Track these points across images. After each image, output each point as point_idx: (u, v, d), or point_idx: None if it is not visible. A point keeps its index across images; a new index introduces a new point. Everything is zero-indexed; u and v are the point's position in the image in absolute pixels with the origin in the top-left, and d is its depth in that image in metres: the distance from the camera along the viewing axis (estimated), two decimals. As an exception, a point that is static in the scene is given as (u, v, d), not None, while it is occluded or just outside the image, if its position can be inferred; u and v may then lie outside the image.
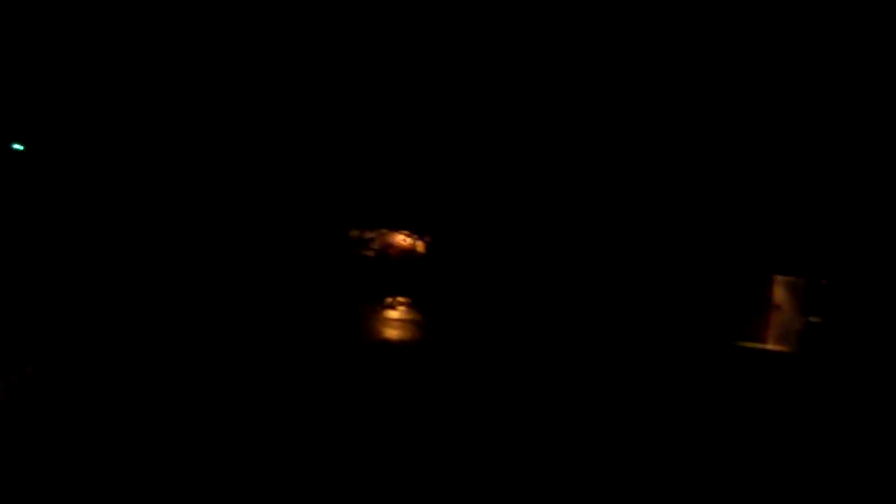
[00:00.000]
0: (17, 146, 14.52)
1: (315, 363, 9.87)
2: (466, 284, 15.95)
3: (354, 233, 16.81)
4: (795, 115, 12.97)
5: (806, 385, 11.43)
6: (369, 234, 16.86)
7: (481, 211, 16.31)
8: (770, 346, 12.74)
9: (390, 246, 16.95)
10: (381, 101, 16.34)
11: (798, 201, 12.78)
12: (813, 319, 12.72)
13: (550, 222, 15.35)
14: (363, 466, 6.08)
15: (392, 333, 13.16)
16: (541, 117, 15.21)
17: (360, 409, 7.80)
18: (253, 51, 14.85)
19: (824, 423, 8.99)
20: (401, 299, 15.76)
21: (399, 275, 16.69)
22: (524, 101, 15.45)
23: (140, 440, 6.00)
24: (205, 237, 15.74)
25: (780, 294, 13.20)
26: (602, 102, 14.46)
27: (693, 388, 10.25)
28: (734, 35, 12.91)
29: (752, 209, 13.12)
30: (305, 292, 15.58)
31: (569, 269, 14.74)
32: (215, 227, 15.95)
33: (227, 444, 6.20)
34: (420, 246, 16.92)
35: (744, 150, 13.33)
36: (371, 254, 16.89)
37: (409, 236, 16.89)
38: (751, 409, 9.29)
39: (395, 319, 14.34)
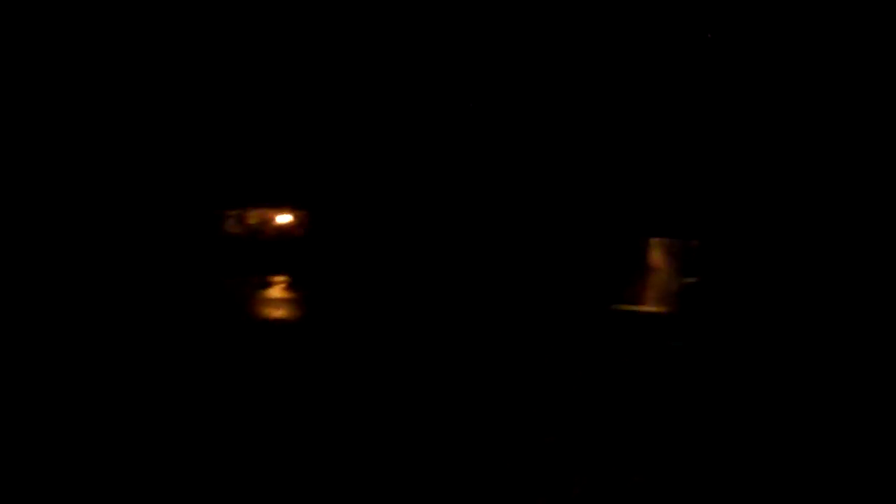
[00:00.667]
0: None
1: (190, 346, 9.55)
2: (348, 261, 15.72)
3: (228, 211, 16.26)
4: (662, 79, 13.25)
5: (682, 344, 11.73)
6: (243, 212, 16.34)
7: (360, 185, 16.06)
8: (647, 308, 12.99)
9: (267, 223, 16.46)
10: (255, 72, 15.86)
11: (669, 165, 13.10)
12: (689, 280, 13.07)
13: (428, 192, 15.24)
14: (242, 455, 5.83)
15: (272, 312, 12.87)
16: (412, 88, 15.05)
17: (241, 391, 7.59)
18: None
19: (701, 380, 9.23)
20: (280, 278, 15.38)
21: (277, 253, 16.26)
22: (401, 72, 15.25)
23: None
24: (69, 216, 15.01)
25: (656, 256, 13.47)
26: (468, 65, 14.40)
27: (571, 352, 10.40)
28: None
29: (624, 173, 13.37)
30: (177, 273, 15.05)
31: (447, 240, 14.70)
32: (81, 205, 15.23)
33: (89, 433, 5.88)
34: (299, 223, 16.51)
35: (613, 120, 13.57)
36: (247, 232, 16.37)
37: (286, 213, 16.45)
38: (628, 370, 9.47)
39: (275, 299, 14.01)
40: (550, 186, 13.88)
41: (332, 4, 15.39)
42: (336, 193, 16.05)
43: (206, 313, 12.01)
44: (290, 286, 15.01)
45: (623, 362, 10.05)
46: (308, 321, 12.25)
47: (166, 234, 15.75)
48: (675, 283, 13.11)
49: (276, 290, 14.62)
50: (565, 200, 13.72)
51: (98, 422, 6.40)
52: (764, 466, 5.99)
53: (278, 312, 12.78)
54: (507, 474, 5.65)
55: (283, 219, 16.39)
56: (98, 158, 16.12)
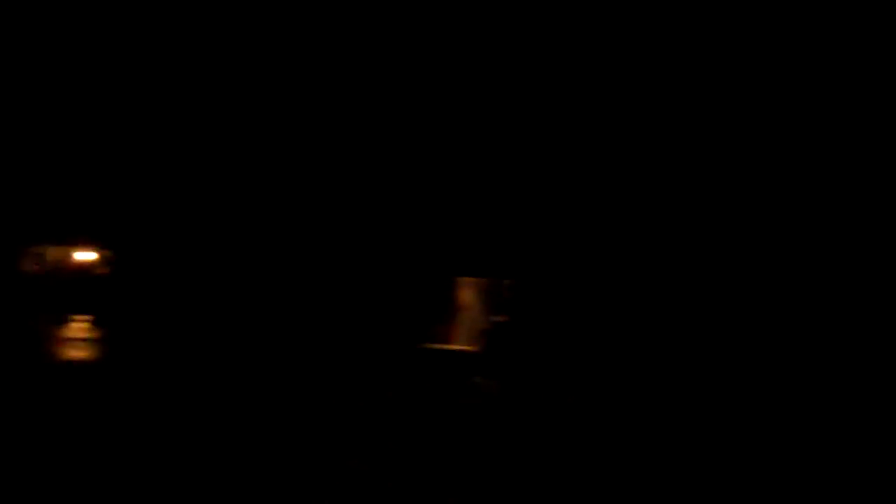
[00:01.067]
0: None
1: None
2: (153, 300, 15.15)
3: (29, 249, 15.35)
4: (457, 122, 13.63)
5: (489, 380, 12.08)
6: (44, 250, 15.46)
7: (163, 223, 15.53)
8: (456, 346, 13.31)
9: (68, 262, 15.65)
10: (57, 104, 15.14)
11: (477, 206, 13.47)
12: (497, 318, 13.50)
13: (232, 231, 14.93)
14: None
15: (74, 353, 12.27)
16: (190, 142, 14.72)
17: (44, 431, 7.23)
18: None
19: (508, 416, 9.55)
20: (83, 317, 14.66)
21: (80, 292, 15.46)
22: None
23: None
24: None
25: (465, 295, 13.83)
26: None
27: (381, 392, 10.48)
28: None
29: (433, 215, 13.62)
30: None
31: (256, 277, 14.45)
32: None
33: None
34: (101, 261, 15.78)
35: (418, 161, 13.79)
36: (47, 270, 15.49)
37: (89, 251, 15.70)
38: (437, 408, 9.69)
39: (78, 339, 13.38)
40: (360, 226, 13.97)
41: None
42: (140, 233, 15.45)
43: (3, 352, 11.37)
44: (93, 325, 14.35)
45: (429, 399, 10.24)
46: (109, 361, 11.78)
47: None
48: (484, 322, 13.51)
49: (78, 329, 13.96)
50: (376, 240, 13.83)
51: None
52: (567, 497, 6.30)
53: (78, 352, 12.20)
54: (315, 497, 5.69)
55: (85, 257, 15.64)
56: None
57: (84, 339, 13.22)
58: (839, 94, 11.97)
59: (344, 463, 6.65)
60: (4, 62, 13.85)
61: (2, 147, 14.68)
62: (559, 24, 13.01)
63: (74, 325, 14.13)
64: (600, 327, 12.79)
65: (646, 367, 12.12)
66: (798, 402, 10.65)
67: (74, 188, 15.11)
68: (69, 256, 15.68)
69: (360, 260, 13.83)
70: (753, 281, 12.16)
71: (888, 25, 11.49)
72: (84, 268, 15.72)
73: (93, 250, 15.65)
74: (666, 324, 12.42)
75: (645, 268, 12.76)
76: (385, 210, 13.89)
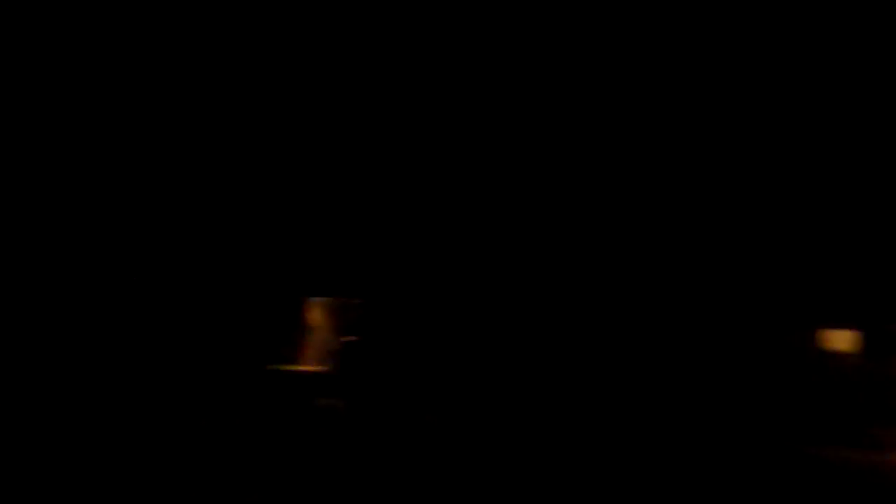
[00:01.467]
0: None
1: None
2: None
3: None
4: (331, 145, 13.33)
5: (339, 401, 11.85)
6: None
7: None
8: (306, 368, 12.93)
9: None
10: None
11: (325, 225, 13.15)
12: (348, 338, 13.20)
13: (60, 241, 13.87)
14: None
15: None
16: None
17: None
18: None
19: (359, 437, 9.39)
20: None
21: None
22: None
23: None
24: None
25: (315, 316, 13.46)
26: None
27: (227, 415, 10.13)
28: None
29: (280, 234, 13.20)
30: None
31: (107, 301, 13.50)
32: None
33: None
34: None
35: (266, 178, 13.34)
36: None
37: None
38: (284, 431, 9.41)
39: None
40: (206, 245, 13.32)
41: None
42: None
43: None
44: None
45: (277, 422, 9.96)
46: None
47: None
48: (334, 342, 13.18)
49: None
50: (222, 260, 13.22)
51: None
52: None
53: None
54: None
55: None
56: None
57: None
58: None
59: (184, 486, 6.32)
60: None
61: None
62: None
63: None
64: (451, 345, 12.76)
65: (498, 383, 12.18)
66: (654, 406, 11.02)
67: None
68: None
69: (206, 280, 13.15)
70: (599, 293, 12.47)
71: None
72: None
73: None
74: (514, 339, 12.54)
75: (493, 286, 12.83)
76: (232, 229, 13.28)
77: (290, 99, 13.13)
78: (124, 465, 7.17)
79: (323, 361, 13.05)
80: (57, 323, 12.75)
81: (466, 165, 12.95)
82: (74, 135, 13.32)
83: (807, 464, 9.90)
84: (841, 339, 12.64)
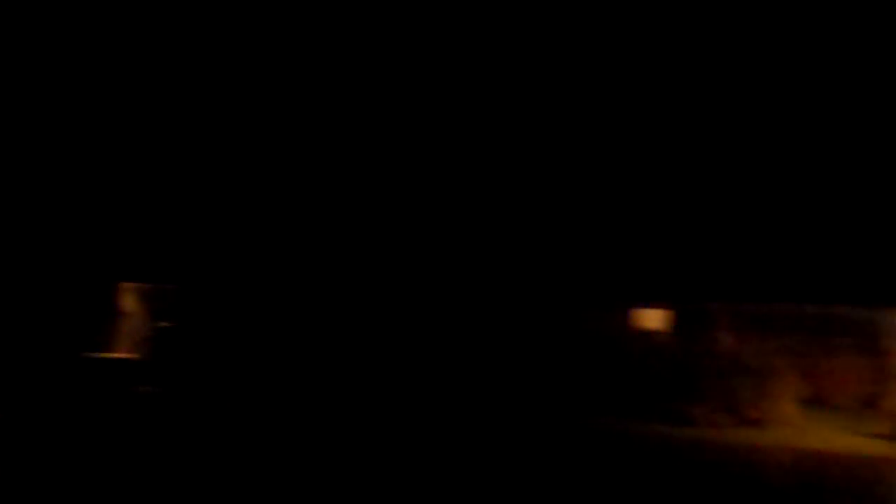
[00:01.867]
0: None
1: None
2: None
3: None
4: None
5: (154, 388, 11.72)
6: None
7: None
8: (119, 355, 12.74)
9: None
10: None
11: (138, 209, 12.88)
12: (162, 324, 13.05)
13: None
14: None
15: None
16: None
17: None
18: None
19: (173, 424, 9.35)
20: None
21: None
22: None
23: None
24: None
25: (128, 301, 13.24)
26: None
27: (41, 403, 9.98)
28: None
29: (92, 218, 12.87)
30: None
31: None
32: None
33: None
34: None
35: (80, 163, 12.96)
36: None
37: None
38: (97, 419, 9.39)
39: None
40: (17, 229, 12.89)
41: None
42: None
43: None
44: None
45: (90, 410, 9.85)
46: None
47: None
48: (148, 329, 13.02)
49: None
50: (33, 244, 12.82)
51: None
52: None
53: None
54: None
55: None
56: None
57: None
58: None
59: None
60: None
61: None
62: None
63: None
64: (266, 332, 12.74)
65: (309, 369, 12.20)
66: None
67: None
68: None
69: (13, 265, 12.78)
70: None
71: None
72: None
73: None
74: (324, 326, 12.57)
75: (304, 274, 12.78)
76: (43, 213, 12.89)
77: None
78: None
79: (136, 348, 12.89)
80: None
81: (277, 154, 12.82)
82: None
83: (594, 438, 10.14)
84: (652, 318, 12.90)
